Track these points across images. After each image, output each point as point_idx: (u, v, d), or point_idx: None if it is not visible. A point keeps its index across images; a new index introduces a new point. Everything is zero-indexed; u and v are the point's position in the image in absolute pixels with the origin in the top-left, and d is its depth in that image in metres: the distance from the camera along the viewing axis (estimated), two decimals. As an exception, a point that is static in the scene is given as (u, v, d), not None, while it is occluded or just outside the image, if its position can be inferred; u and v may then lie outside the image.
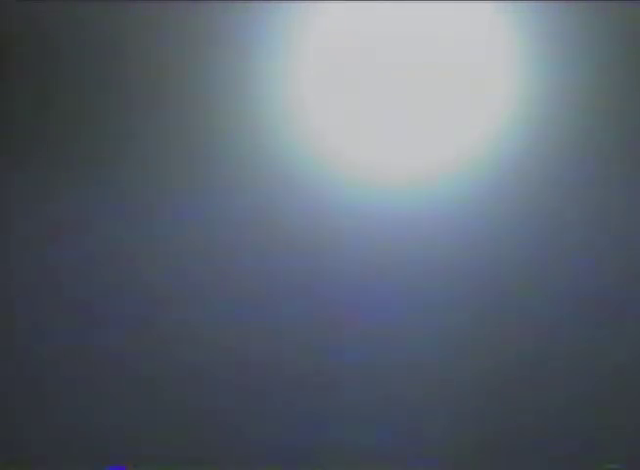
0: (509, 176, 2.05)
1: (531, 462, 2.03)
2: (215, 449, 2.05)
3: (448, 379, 2.05)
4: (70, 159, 2.08)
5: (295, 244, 2.05)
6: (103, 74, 2.04)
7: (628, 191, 2.05)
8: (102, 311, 2.06)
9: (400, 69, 1.96)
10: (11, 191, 2.00)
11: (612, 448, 2.02)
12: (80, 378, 2.06)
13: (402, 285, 2.05)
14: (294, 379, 2.05)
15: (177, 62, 2.06)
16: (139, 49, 2.04)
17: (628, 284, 2.05)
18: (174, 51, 2.05)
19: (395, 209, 2.03)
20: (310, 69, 1.93)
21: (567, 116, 2.05)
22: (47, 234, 2.05)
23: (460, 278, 2.06)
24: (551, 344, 2.05)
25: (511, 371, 2.04)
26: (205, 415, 2.03)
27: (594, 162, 2.06)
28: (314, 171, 2.03)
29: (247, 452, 2.05)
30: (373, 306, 2.05)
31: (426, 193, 2.01)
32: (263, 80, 2.06)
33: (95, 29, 2.03)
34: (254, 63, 2.04)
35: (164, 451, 2.05)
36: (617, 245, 2.05)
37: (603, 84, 2.04)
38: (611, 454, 2.02)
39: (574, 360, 2.04)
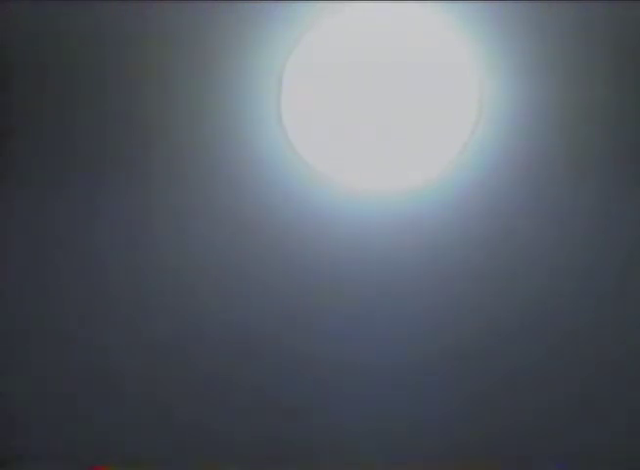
0: (495, 183, 2.05)
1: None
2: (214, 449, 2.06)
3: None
4: (69, 163, 2.09)
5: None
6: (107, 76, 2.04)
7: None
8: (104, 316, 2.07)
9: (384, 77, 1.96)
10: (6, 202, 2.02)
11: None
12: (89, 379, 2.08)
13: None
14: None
15: (182, 63, 2.06)
16: (144, 51, 2.04)
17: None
18: (176, 52, 2.06)
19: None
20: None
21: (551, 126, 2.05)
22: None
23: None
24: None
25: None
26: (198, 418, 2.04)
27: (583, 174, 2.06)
28: (306, 176, 2.04)
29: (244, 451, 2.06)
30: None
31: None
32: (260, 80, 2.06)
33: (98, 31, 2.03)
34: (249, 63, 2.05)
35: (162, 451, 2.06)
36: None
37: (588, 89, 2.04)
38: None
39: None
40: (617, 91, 2.02)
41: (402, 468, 2.03)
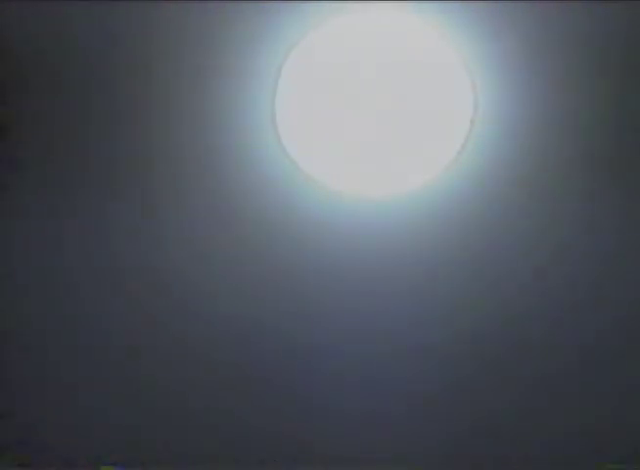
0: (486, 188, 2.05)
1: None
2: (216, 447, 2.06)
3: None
4: (67, 175, 2.09)
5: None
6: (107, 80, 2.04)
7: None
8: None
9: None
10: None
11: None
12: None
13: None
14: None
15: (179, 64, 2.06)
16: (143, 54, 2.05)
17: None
18: (174, 52, 2.06)
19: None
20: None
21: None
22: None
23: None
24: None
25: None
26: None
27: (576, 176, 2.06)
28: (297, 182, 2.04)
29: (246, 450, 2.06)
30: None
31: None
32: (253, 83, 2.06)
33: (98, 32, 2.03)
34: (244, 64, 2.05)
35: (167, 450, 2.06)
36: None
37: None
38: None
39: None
40: (616, 92, 2.03)
41: (402, 466, 2.04)
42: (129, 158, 2.05)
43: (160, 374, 2.05)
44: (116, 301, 2.06)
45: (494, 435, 2.03)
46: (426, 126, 1.98)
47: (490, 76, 2.01)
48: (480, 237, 2.03)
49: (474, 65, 2.01)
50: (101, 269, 2.06)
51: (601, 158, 2.03)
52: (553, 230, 2.03)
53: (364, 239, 2.04)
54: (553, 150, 2.03)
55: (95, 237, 2.06)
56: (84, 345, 2.05)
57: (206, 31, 2.03)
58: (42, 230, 2.07)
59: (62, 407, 2.05)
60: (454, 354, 2.03)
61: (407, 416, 2.03)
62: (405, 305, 2.03)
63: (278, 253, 2.04)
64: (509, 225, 2.04)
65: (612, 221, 2.03)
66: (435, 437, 2.03)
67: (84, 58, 2.05)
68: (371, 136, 1.98)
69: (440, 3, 1.99)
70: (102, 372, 2.05)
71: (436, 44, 1.98)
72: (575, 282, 2.03)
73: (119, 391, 2.05)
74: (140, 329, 2.05)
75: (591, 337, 2.03)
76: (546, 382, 2.03)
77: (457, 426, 2.03)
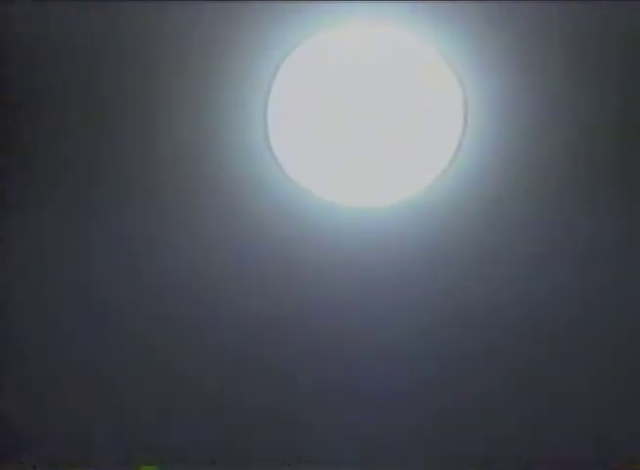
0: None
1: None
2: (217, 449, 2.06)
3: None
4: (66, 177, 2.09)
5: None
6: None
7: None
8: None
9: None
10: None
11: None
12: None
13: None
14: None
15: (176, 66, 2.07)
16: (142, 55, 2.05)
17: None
18: (172, 54, 2.06)
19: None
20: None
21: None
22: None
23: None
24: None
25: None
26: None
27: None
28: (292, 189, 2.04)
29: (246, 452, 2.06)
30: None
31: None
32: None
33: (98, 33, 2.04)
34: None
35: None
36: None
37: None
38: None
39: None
40: (611, 90, 2.03)
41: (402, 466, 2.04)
42: (128, 157, 2.06)
43: (158, 372, 2.05)
44: (116, 300, 2.06)
45: (494, 433, 2.03)
46: (420, 133, 1.97)
47: (481, 78, 2.02)
48: (479, 239, 2.03)
49: (466, 68, 2.01)
50: (100, 269, 2.06)
51: (598, 157, 2.03)
52: (552, 230, 2.03)
53: (359, 248, 2.03)
54: (550, 149, 2.03)
55: (94, 237, 2.07)
56: (88, 344, 2.05)
57: (205, 32, 2.04)
58: (45, 230, 2.07)
59: (56, 408, 2.05)
60: (456, 356, 2.03)
61: (408, 414, 2.03)
62: (397, 304, 2.03)
63: (272, 260, 2.04)
64: (507, 227, 2.04)
65: (612, 221, 2.03)
66: (435, 433, 2.03)
67: (82, 56, 2.05)
68: (364, 144, 1.98)
69: (433, 4, 2.00)
70: (103, 371, 2.05)
71: (425, 49, 1.98)
72: (576, 282, 2.03)
73: (120, 390, 2.05)
74: (139, 327, 2.05)
75: (592, 336, 2.03)
76: (548, 381, 2.03)
77: (456, 424, 2.03)
